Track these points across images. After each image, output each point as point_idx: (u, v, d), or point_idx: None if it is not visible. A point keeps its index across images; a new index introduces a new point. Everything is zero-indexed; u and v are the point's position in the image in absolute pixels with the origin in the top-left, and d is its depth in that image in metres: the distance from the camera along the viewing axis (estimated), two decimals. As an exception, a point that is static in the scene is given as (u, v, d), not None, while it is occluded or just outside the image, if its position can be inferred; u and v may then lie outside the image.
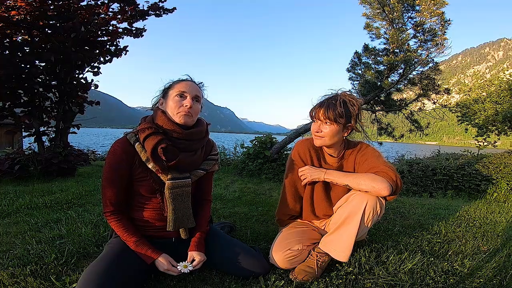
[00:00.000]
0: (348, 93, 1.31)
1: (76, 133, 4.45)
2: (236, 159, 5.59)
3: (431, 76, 4.99)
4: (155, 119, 1.18)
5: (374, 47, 5.13)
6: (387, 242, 1.66)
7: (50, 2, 3.47)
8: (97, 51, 4.22)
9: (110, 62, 4.48)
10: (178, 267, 1.09)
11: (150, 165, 1.12)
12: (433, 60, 4.87)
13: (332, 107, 1.24)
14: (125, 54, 4.53)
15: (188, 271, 1.10)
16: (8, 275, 1.16)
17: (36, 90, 3.75)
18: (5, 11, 3.27)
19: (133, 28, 4.37)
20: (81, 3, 3.70)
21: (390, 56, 4.76)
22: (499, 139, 6.31)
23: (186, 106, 1.15)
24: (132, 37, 4.46)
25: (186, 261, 1.12)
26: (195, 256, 1.15)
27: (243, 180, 4.07)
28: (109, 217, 1.14)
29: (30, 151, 3.98)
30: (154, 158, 1.10)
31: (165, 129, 1.14)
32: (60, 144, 3.98)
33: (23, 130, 3.95)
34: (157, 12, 4.31)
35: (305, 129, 4.90)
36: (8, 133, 4.00)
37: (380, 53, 5.02)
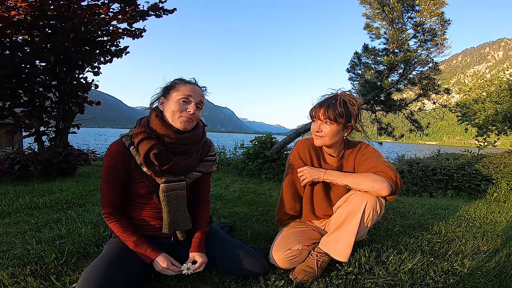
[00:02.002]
0: (348, 93, 1.31)
1: (76, 133, 4.45)
2: (236, 159, 5.60)
3: (431, 76, 4.99)
4: (149, 122, 1.16)
5: (374, 47, 5.14)
6: (387, 242, 1.66)
7: (50, 2, 3.47)
8: (97, 51, 4.22)
9: (110, 62, 4.48)
10: (181, 268, 1.10)
11: (144, 169, 1.12)
12: (433, 60, 4.88)
13: (332, 107, 1.24)
14: (125, 55, 4.53)
15: (191, 273, 1.10)
16: (8, 275, 1.16)
17: (36, 90, 3.75)
18: (5, 11, 3.27)
19: (133, 29, 4.37)
20: (82, 3, 3.70)
21: (390, 56, 4.76)
22: (498, 139, 6.31)
23: (189, 112, 1.14)
24: (132, 38, 4.46)
25: (187, 263, 1.12)
26: (196, 258, 1.15)
27: (243, 180, 4.07)
28: (108, 218, 1.14)
29: (30, 151, 3.98)
30: (146, 163, 1.10)
31: (158, 134, 1.13)
32: (60, 144, 3.98)
33: (23, 130, 3.95)
34: (157, 12, 4.32)
35: (305, 129, 4.91)
36: (8, 133, 4.00)
37: (380, 53, 5.03)
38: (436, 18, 4.58)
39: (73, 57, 3.82)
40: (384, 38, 5.00)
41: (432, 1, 4.46)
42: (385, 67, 4.84)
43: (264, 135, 4.82)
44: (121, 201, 1.17)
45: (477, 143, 6.10)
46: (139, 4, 4.13)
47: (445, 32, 4.64)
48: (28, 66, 3.63)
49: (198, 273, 1.16)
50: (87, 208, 2.24)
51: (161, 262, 1.09)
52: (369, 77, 4.89)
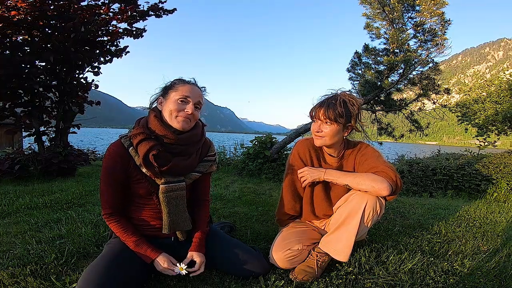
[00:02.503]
0: (348, 93, 1.31)
1: (76, 133, 4.45)
2: (236, 159, 5.60)
3: (431, 76, 4.99)
4: (148, 122, 1.16)
5: (374, 47, 5.14)
6: (387, 242, 1.66)
7: (50, 2, 3.47)
8: (97, 51, 4.22)
9: (111, 62, 4.48)
10: (174, 269, 1.09)
11: (143, 170, 1.12)
12: (433, 60, 4.88)
13: (332, 107, 1.24)
14: (125, 55, 4.53)
15: (185, 274, 1.09)
16: (8, 275, 1.16)
17: (36, 90, 3.74)
18: (5, 11, 3.27)
19: (133, 29, 4.37)
20: (82, 3, 3.70)
21: (390, 56, 4.76)
22: (499, 139, 6.31)
23: (187, 112, 1.13)
24: (132, 38, 4.46)
25: (183, 263, 1.11)
26: (195, 257, 1.15)
27: (243, 180, 4.07)
28: (108, 219, 1.14)
29: (30, 151, 3.98)
30: (146, 164, 1.09)
31: (157, 134, 1.13)
32: (60, 144, 3.98)
33: (23, 130, 3.95)
34: (157, 13, 4.32)
35: (305, 129, 4.91)
36: (8, 133, 4.00)
37: (380, 53, 5.03)
38: (437, 18, 4.59)
39: (73, 57, 3.82)
40: (384, 38, 5.00)
41: (432, 1, 4.47)
42: (385, 67, 4.84)
43: (264, 135, 4.82)
44: (120, 202, 1.17)
45: (477, 143, 6.09)
46: (139, 4, 4.13)
47: (445, 32, 4.64)
48: (28, 66, 3.63)
49: (200, 274, 1.15)
50: (87, 208, 2.24)
51: (162, 262, 1.09)
52: (369, 77, 4.89)
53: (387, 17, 4.74)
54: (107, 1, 3.90)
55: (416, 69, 4.97)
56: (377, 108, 5.39)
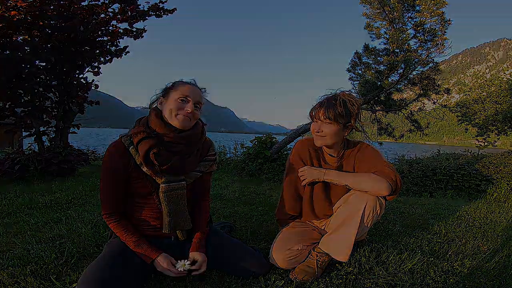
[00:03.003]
0: (347, 92, 1.31)
1: (76, 133, 4.45)
2: (236, 159, 5.60)
3: (431, 76, 4.99)
4: (149, 121, 1.16)
5: (375, 47, 5.15)
6: (387, 242, 1.66)
7: (50, 2, 3.47)
8: (97, 51, 4.23)
9: (111, 62, 4.48)
10: (176, 265, 1.09)
11: (144, 169, 1.12)
12: (433, 60, 4.88)
13: (332, 106, 1.24)
14: (125, 55, 4.53)
15: (186, 270, 1.09)
16: (8, 275, 1.16)
17: (36, 90, 3.75)
18: (5, 11, 3.27)
19: (134, 29, 4.37)
20: (82, 3, 3.71)
21: (390, 56, 4.76)
22: (498, 139, 6.31)
23: (187, 110, 1.14)
24: (133, 38, 4.47)
25: (185, 260, 1.12)
26: (196, 257, 1.15)
27: (243, 180, 4.07)
28: (108, 219, 1.14)
29: (30, 151, 3.98)
30: (146, 163, 1.09)
31: (157, 133, 1.13)
32: (60, 144, 3.99)
33: (23, 130, 3.95)
34: (157, 12, 4.32)
35: (305, 129, 4.91)
36: (8, 133, 4.01)
37: (380, 53, 5.03)
38: (437, 18, 4.59)
39: (73, 57, 3.82)
40: (384, 38, 5.01)
41: (432, 1, 4.47)
42: (385, 67, 4.85)
43: (264, 135, 4.82)
44: (120, 202, 1.17)
45: (477, 143, 6.09)
46: (139, 4, 4.13)
47: (445, 32, 4.64)
48: (28, 66, 3.63)
49: (203, 273, 1.15)
50: (87, 208, 2.24)
51: (162, 262, 1.09)
52: (369, 77, 4.89)
53: (387, 17, 4.74)
54: (106, 1, 3.90)
55: (416, 69, 4.98)
56: (377, 108, 5.40)
